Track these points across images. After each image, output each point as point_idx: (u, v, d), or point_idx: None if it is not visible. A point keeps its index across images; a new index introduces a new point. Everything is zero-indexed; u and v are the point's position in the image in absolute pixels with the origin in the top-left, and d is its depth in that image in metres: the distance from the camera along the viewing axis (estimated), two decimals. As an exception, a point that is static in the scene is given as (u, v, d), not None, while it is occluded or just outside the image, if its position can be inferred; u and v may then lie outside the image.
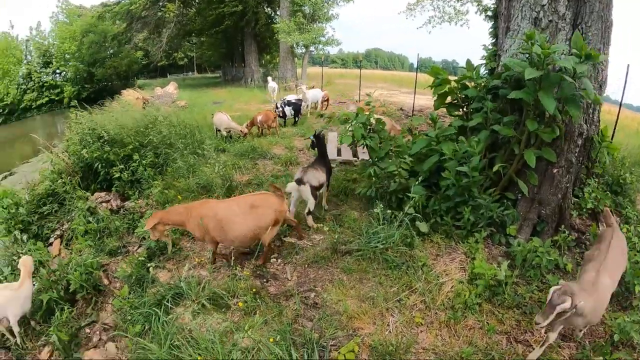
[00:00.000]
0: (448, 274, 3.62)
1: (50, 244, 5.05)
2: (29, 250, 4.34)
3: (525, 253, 3.61)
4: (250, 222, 3.85)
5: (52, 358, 3.42)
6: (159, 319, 3.22)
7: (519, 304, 3.29)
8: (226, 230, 3.84)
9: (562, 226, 4.09)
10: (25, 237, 4.85)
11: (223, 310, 3.58)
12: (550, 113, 3.41)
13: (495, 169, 4.20)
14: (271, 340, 2.95)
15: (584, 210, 4.53)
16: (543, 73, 3.38)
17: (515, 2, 4.27)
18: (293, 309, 3.52)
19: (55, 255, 4.58)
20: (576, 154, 4.15)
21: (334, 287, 3.76)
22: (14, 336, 3.61)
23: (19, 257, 3.91)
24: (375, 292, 3.58)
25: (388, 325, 3.17)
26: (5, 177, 6.78)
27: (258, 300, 3.60)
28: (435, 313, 3.24)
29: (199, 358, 2.88)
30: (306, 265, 4.25)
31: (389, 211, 4.67)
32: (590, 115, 4.51)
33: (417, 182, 4.83)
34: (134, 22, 25.40)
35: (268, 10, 25.54)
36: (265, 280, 4.04)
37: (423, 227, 4.34)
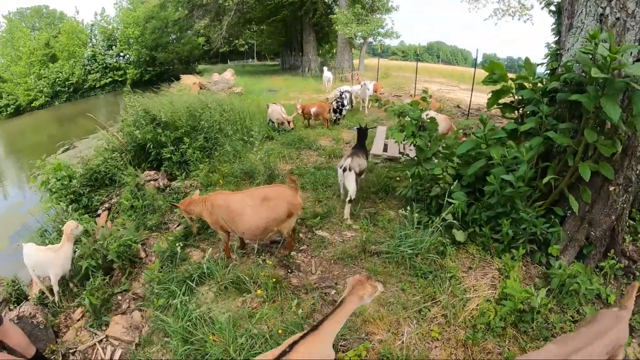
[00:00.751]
0: (477, 289, 3.36)
1: (98, 216, 5.54)
2: (75, 219, 4.78)
3: (564, 277, 3.22)
4: (262, 214, 3.85)
5: (83, 318, 3.79)
6: (179, 295, 3.38)
7: (547, 336, 2.96)
8: (237, 222, 3.88)
9: (612, 251, 3.60)
10: (72, 207, 5.33)
11: (244, 295, 3.68)
12: (614, 123, 2.97)
13: (545, 180, 3.78)
14: (280, 331, 2.97)
15: (639, 235, 3.95)
16: (608, 77, 2.94)
17: None
18: (311, 303, 3.52)
19: (102, 226, 5.01)
20: (637, 172, 3.59)
21: (355, 287, 3.69)
22: (53, 295, 4.04)
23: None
24: (396, 298, 3.44)
25: (402, 334, 3.04)
26: (66, 149, 7.54)
27: (278, 289, 3.65)
28: (455, 330, 3.03)
29: (210, 337, 3.00)
30: (332, 261, 4.22)
31: (425, 216, 4.51)
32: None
33: (459, 187, 4.55)
34: (194, 10, 26.62)
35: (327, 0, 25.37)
36: (289, 270, 4.08)
37: (459, 235, 4.07)
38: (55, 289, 4.00)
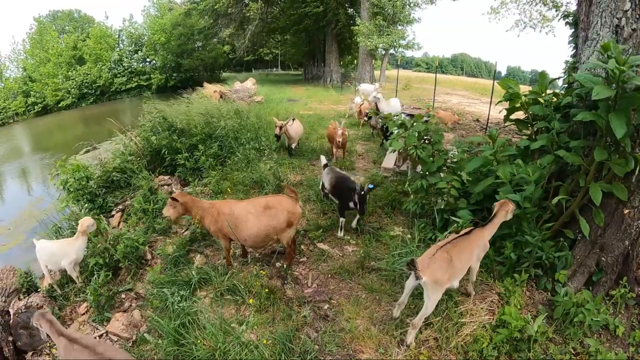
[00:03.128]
0: (473, 314, 3.20)
1: (112, 216, 5.74)
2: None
3: (569, 306, 3.02)
4: (263, 222, 3.91)
5: (87, 312, 3.93)
6: (175, 298, 3.43)
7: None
8: (240, 229, 3.95)
9: (625, 279, 3.36)
10: (87, 206, 5.56)
11: (238, 302, 3.69)
12: (618, 140, 2.79)
13: (555, 201, 3.60)
14: (264, 342, 2.95)
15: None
16: (617, 92, 2.78)
17: (595, 7, 3.58)
18: (302, 316, 3.48)
19: (114, 227, 5.19)
20: (655, 194, 3.35)
21: (349, 303, 3.62)
22: (60, 289, 4.28)
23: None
24: (389, 317, 3.35)
25: (390, 355, 2.94)
26: (87, 151, 7.86)
27: (272, 300, 3.64)
28: (445, 355, 2.90)
29: (199, 341, 3.01)
30: (329, 275, 4.17)
31: (430, 232, 4.39)
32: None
33: (466, 204, 4.40)
34: (219, 19, 27.44)
35: (350, 11, 25.58)
36: (285, 282, 4.06)
37: (461, 255, 3.92)
38: (74, 274, 4.31)
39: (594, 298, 3.11)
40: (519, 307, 3.13)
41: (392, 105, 9.85)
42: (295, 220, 4.03)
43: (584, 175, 3.46)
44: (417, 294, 3.52)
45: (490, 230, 3.27)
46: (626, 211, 3.34)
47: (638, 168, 3.09)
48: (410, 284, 3.06)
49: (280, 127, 7.64)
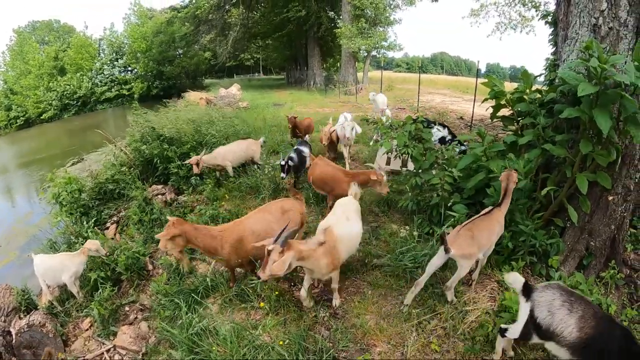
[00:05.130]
0: (476, 302, 3.38)
1: (107, 228, 5.69)
2: (86, 231, 4.94)
3: (564, 289, 3.23)
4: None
5: (91, 328, 3.89)
6: (184, 307, 3.46)
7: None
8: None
9: (613, 261, 3.61)
10: (82, 219, 5.50)
11: (248, 307, 3.75)
12: (604, 134, 3.02)
13: (544, 192, 3.83)
14: (280, 343, 3.02)
15: (641, 244, 3.95)
16: (599, 89, 3.01)
17: (573, 7, 3.83)
18: (312, 316, 3.57)
19: (110, 239, 5.15)
20: (636, 180, 3.61)
21: (357, 300, 3.73)
22: (59, 305, 4.22)
23: (77, 237, 4.51)
24: (397, 310, 3.48)
25: (402, 346, 3.07)
26: (74, 163, 7.73)
27: (281, 302, 3.71)
28: (454, 342, 3.06)
29: (214, 348, 3.06)
30: (335, 275, 4.26)
31: (427, 226, 4.56)
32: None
33: (460, 200, 4.60)
34: (200, 25, 27.25)
35: (331, 14, 25.85)
36: (292, 284, 4.14)
37: (459, 248, 4.10)
38: (74, 289, 4.24)
39: (586, 280, 3.33)
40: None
41: (382, 101, 9.89)
42: (305, 221, 4.13)
43: (570, 166, 3.69)
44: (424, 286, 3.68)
45: (506, 205, 3.44)
46: (610, 198, 3.60)
47: (620, 158, 3.33)
48: (435, 261, 3.22)
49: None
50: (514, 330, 2.63)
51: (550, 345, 2.51)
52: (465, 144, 6.23)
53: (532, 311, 2.51)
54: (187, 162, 6.50)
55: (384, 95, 10.51)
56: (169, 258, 4.62)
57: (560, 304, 2.42)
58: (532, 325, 2.51)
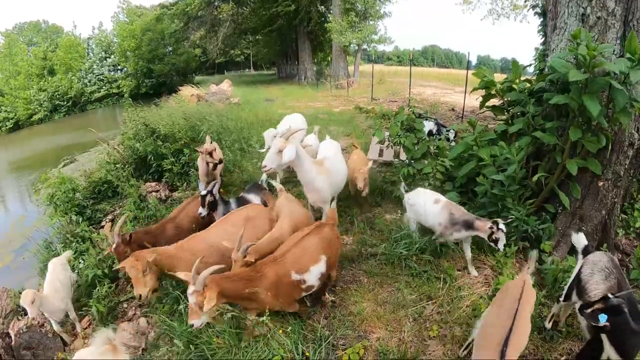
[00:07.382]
0: (470, 287, 3.46)
1: (102, 227, 5.65)
2: (81, 231, 4.90)
3: (557, 272, 3.32)
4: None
5: (90, 326, 3.89)
6: (183, 301, 3.48)
7: (540, 329, 3.05)
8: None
9: (605, 245, 3.70)
10: (76, 219, 5.44)
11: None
12: (594, 119, 3.09)
13: (535, 178, 3.91)
14: (280, 331, 3.07)
15: (632, 229, 4.04)
16: (588, 76, 3.07)
17: None
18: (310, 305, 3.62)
19: (106, 235, 5.11)
20: (625, 166, 3.70)
21: (354, 288, 3.79)
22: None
23: (72, 237, 4.43)
24: (393, 298, 3.55)
25: (399, 332, 3.13)
26: (66, 164, 7.65)
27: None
28: (451, 327, 3.13)
29: (214, 340, 3.09)
30: (331, 264, 4.31)
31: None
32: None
33: (452, 188, 4.67)
34: (190, 22, 26.97)
35: (321, 8, 25.74)
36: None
37: (453, 235, 4.18)
38: (72, 315, 3.86)
39: (578, 264, 3.41)
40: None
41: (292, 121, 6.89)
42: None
43: (560, 153, 3.77)
44: (416, 274, 3.75)
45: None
46: (600, 183, 3.68)
47: (610, 144, 3.41)
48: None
49: None
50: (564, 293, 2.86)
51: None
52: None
53: (580, 268, 2.74)
54: (199, 150, 5.54)
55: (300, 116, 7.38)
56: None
57: (602, 268, 2.61)
58: (576, 281, 2.70)
